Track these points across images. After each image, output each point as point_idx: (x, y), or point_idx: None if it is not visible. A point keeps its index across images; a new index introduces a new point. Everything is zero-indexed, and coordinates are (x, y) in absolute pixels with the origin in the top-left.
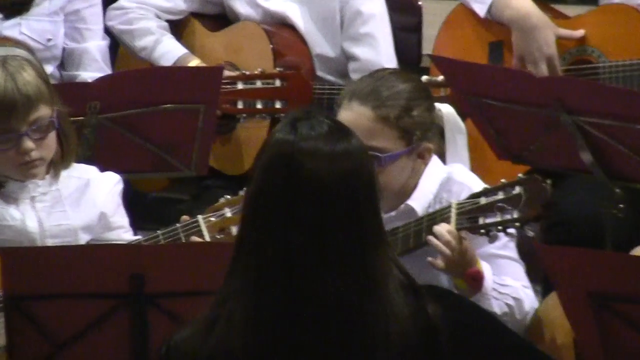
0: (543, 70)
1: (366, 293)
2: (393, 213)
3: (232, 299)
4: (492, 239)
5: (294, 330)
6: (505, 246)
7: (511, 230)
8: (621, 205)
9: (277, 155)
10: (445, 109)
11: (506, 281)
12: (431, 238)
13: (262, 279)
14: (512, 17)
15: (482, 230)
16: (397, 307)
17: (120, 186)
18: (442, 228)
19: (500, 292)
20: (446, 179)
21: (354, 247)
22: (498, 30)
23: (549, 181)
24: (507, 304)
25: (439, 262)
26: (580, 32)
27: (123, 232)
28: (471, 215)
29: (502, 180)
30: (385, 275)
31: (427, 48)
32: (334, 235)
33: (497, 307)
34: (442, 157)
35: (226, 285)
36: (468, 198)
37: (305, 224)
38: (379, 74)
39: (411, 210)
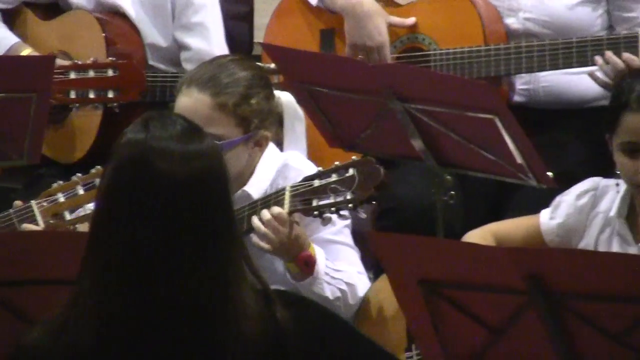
0: (375, 57)
1: (217, 294)
2: None
3: (83, 298)
4: (326, 221)
5: (144, 331)
6: (340, 232)
7: (344, 212)
8: (452, 192)
9: (127, 154)
10: (285, 97)
11: (340, 266)
12: (255, 220)
13: (112, 279)
14: (343, 4)
15: (316, 212)
16: (248, 310)
17: None
18: (267, 212)
19: (333, 277)
20: (282, 165)
21: (206, 248)
22: (329, 18)
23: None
24: (339, 289)
25: (264, 244)
26: (411, 20)
27: None
28: (305, 198)
29: (336, 163)
30: (238, 277)
31: (259, 36)
32: (185, 236)
33: (329, 291)
34: (281, 145)
35: (78, 284)
36: (302, 180)
37: (156, 223)
38: (219, 61)
39: (248, 196)
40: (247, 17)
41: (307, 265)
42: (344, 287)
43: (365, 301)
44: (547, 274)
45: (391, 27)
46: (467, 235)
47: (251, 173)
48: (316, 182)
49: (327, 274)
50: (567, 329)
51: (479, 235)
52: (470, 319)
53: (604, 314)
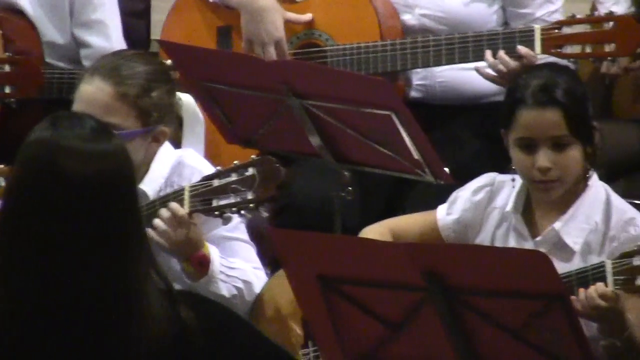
0: (271, 54)
1: (123, 294)
2: None
3: None
4: (226, 221)
5: (48, 329)
6: (235, 228)
7: (245, 212)
8: (350, 189)
9: (34, 153)
10: (186, 99)
11: (235, 263)
12: (157, 221)
13: (16, 276)
14: (240, 0)
15: (217, 212)
16: (152, 310)
17: None
18: (167, 210)
19: (228, 275)
20: (177, 162)
21: (111, 247)
22: (226, 15)
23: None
24: (235, 287)
25: (163, 241)
26: (308, 16)
27: None
28: (205, 198)
29: (235, 162)
30: (143, 277)
31: (156, 33)
32: (91, 235)
33: (225, 290)
34: (179, 147)
35: None
36: (201, 180)
37: (62, 222)
38: (124, 54)
39: (143, 193)
40: (144, 14)
41: (201, 265)
42: (240, 284)
43: (260, 298)
44: (445, 269)
45: (287, 23)
46: (364, 230)
47: (146, 169)
48: (215, 182)
49: (222, 272)
50: (465, 325)
51: (377, 231)
52: (367, 315)
53: (500, 310)
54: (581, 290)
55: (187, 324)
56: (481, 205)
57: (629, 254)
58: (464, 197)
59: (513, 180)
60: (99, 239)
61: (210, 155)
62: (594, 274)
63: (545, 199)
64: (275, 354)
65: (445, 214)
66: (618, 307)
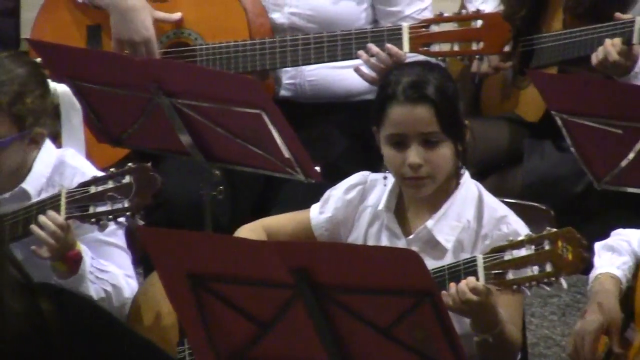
0: (141, 52)
1: None
2: (7, 195)
3: None
4: (102, 227)
5: None
6: (113, 233)
7: (122, 219)
8: (220, 187)
9: None
10: (61, 89)
11: (108, 267)
12: (34, 228)
13: None
14: (109, 0)
15: (93, 219)
16: (8, 306)
17: None
18: (46, 218)
19: (97, 277)
20: (59, 162)
21: None
22: (96, 14)
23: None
24: (104, 289)
25: (43, 251)
26: (177, 15)
27: None
28: (81, 204)
29: (112, 170)
30: None
31: (26, 32)
32: None
33: (94, 291)
34: (59, 137)
35: None
36: (78, 187)
37: None
38: None
39: (24, 192)
40: (14, 12)
41: (76, 264)
42: (109, 288)
43: (137, 296)
44: (313, 267)
45: (157, 22)
46: (239, 230)
47: (28, 170)
48: (92, 189)
49: (92, 273)
50: (334, 323)
51: (251, 229)
52: (238, 314)
53: (370, 307)
54: (452, 285)
55: (47, 317)
56: (353, 203)
57: (501, 249)
58: (336, 195)
59: (385, 178)
60: None
61: (90, 147)
62: (465, 268)
63: (416, 195)
64: (141, 348)
65: (318, 213)
66: (489, 301)
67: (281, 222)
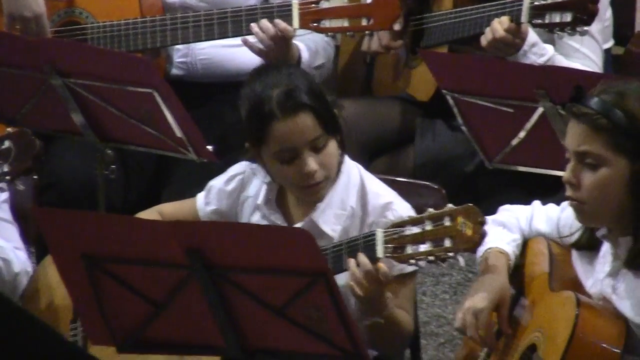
0: (32, 29)
1: None
2: None
3: None
4: None
5: None
6: None
7: (2, 184)
8: (113, 167)
9: None
10: None
11: None
12: None
13: None
14: None
15: None
16: None
17: None
18: None
19: None
20: None
21: None
22: None
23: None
24: None
25: None
26: None
27: None
28: None
29: None
30: None
31: None
32: None
33: None
34: None
35: None
36: None
37: None
38: None
39: None
40: None
41: None
42: None
43: (34, 276)
44: (207, 247)
45: (49, 0)
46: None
47: None
48: None
49: None
50: (229, 302)
51: (147, 215)
52: (133, 294)
53: (264, 287)
54: (350, 260)
55: None
56: (234, 194)
57: (401, 224)
58: (218, 186)
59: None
60: None
61: None
62: (365, 242)
63: (316, 199)
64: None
65: (204, 204)
66: (383, 287)
67: (175, 208)
